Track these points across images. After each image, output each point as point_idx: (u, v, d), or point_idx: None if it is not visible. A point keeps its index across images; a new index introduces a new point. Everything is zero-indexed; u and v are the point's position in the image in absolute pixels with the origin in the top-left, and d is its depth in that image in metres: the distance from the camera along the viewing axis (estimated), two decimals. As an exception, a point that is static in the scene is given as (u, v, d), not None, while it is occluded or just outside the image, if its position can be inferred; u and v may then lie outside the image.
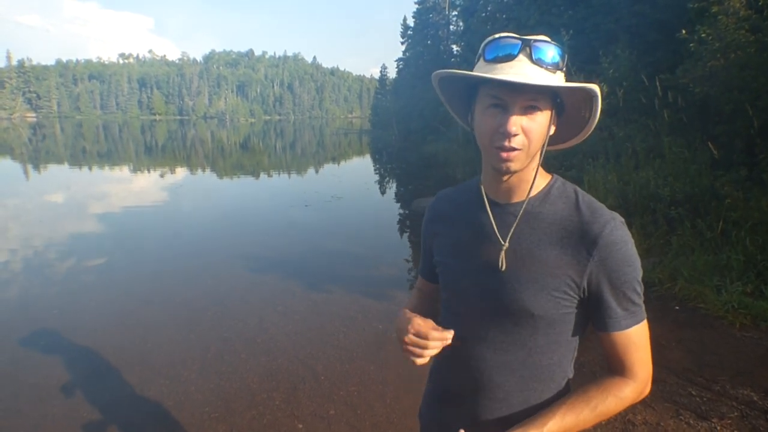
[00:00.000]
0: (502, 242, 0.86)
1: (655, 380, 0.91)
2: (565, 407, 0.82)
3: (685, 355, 3.11)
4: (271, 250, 6.05)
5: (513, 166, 0.81)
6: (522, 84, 0.75)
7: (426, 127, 22.79)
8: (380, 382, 3.00)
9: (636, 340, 0.84)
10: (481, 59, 0.82)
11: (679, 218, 4.86)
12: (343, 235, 7.04)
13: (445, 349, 1.00)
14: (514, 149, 0.79)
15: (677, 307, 3.87)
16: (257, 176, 15.01)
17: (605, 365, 0.88)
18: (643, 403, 2.60)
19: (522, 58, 0.78)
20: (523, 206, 0.86)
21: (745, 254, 4.07)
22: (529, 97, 0.78)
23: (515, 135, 0.78)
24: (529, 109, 0.79)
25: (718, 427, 2.42)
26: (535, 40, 0.79)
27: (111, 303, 4.30)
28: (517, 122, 0.78)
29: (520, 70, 0.77)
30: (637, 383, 0.84)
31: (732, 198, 4.64)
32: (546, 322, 0.85)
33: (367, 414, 2.67)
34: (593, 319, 0.86)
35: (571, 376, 0.93)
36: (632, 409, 2.56)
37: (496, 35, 0.81)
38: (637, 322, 0.83)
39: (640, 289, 0.83)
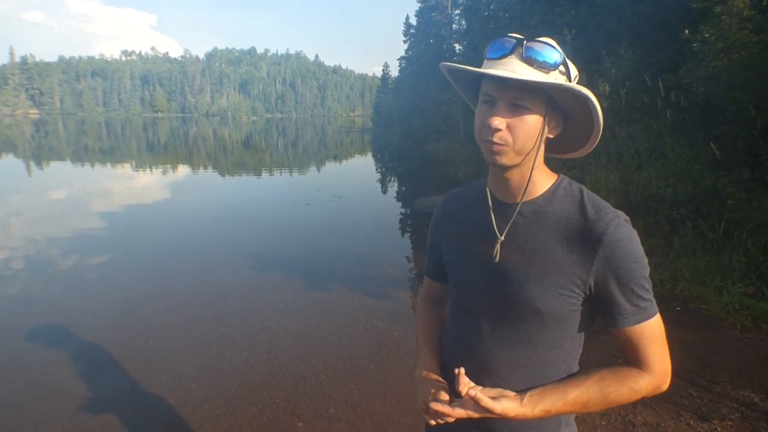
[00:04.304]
0: (498, 236, 0.88)
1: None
2: (579, 391, 0.83)
3: (686, 356, 3.10)
4: (272, 249, 6.06)
5: (500, 159, 0.83)
6: (498, 76, 0.78)
7: (428, 126, 22.81)
8: (381, 380, 3.01)
9: (649, 335, 0.84)
10: (485, 58, 0.85)
11: (681, 219, 4.85)
12: (345, 233, 7.04)
13: (450, 345, 1.01)
14: (496, 144, 0.81)
15: (678, 308, 3.86)
16: (259, 174, 15.03)
17: (608, 364, 0.88)
18: (644, 403, 2.61)
19: (513, 56, 0.80)
20: (519, 204, 0.88)
21: (747, 255, 4.07)
22: (514, 94, 0.80)
23: (497, 130, 0.80)
24: (515, 107, 0.80)
25: (719, 429, 2.42)
26: (531, 40, 0.81)
27: (113, 300, 4.32)
28: (500, 118, 0.80)
29: (508, 67, 0.79)
30: (653, 377, 0.85)
31: (734, 199, 4.63)
32: (553, 319, 0.86)
33: (368, 413, 2.68)
34: (603, 316, 0.86)
35: (575, 372, 0.94)
36: (633, 409, 2.57)
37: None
38: (648, 317, 0.83)
39: (648, 284, 0.83)
